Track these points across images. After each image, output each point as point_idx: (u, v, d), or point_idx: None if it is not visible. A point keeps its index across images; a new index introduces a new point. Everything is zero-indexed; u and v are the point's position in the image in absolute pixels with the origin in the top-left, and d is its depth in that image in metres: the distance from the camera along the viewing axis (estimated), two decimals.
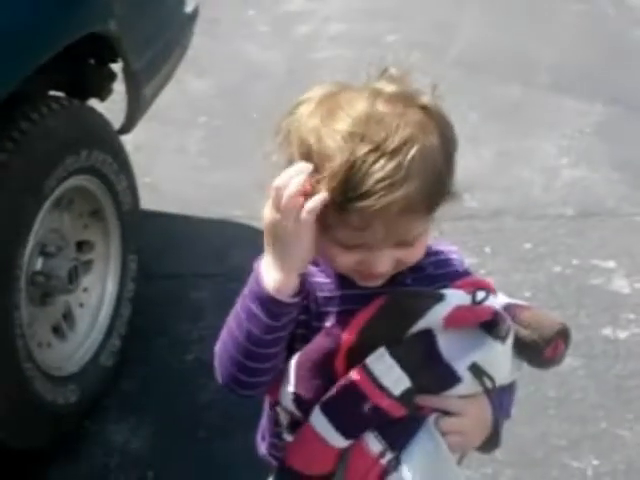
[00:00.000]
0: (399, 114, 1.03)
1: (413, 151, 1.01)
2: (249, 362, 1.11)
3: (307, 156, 1.05)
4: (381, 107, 1.04)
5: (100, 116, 2.21)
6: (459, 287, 1.14)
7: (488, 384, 1.12)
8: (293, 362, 1.14)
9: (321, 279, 1.16)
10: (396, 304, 1.11)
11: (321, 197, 1.02)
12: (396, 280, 1.14)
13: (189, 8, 2.68)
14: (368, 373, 1.10)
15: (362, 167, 1.00)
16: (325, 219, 1.05)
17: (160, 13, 2.46)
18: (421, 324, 1.10)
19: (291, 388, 1.13)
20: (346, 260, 1.09)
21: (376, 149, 1.01)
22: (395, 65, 1.11)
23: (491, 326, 1.11)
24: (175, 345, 2.53)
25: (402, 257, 1.09)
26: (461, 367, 1.11)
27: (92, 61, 2.32)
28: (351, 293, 1.14)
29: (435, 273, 1.18)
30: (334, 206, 1.03)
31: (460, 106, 3.95)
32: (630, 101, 4.11)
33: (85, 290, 2.26)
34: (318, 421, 1.12)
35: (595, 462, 2.21)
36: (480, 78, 4.27)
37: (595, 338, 2.62)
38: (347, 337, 1.10)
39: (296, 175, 1.03)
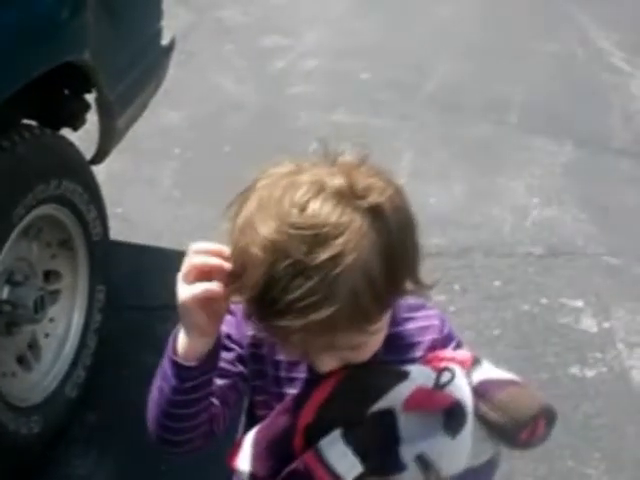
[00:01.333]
0: (332, 224, 0.92)
1: (338, 269, 0.91)
2: (168, 421, 1.09)
3: (235, 246, 0.99)
4: (315, 212, 0.93)
5: (72, 146, 2.20)
6: (429, 361, 1.10)
7: (432, 479, 1.07)
8: (250, 438, 1.11)
9: None
10: (356, 381, 1.07)
11: (205, 287, 0.98)
12: None
13: (165, 40, 2.69)
14: (321, 458, 1.06)
15: (280, 283, 0.92)
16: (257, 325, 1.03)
17: (136, 44, 2.46)
18: (382, 404, 1.06)
19: (246, 467, 1.10)
20: (288, 353, 1.06)
21: (295, 263, 0.91)
22: (346, 152, 1.00)
23: (447, 416, 1.06)
24: (141, 377, 2.49)
25: (347, 357, 1.04)
26: (408, 455, 1.07)
27: (66, 91, 2.31)
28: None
29: (411, 342, 1.13)
30: (257, 318, 0.99)
31: (431, 144, 4.01)
32: (598, 141, 4.18)
33: (51, 320, 2.23)
34: None
35: None
36: (451, 117, 4.33)
37: (562, 377, 2.64)
38: (304, 417, 1.07)
39: (211, 255, 1.00)
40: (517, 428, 1.07)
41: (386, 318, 1.04)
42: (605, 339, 2.83)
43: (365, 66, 4.84)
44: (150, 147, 3.72)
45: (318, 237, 0.91)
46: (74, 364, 2.27)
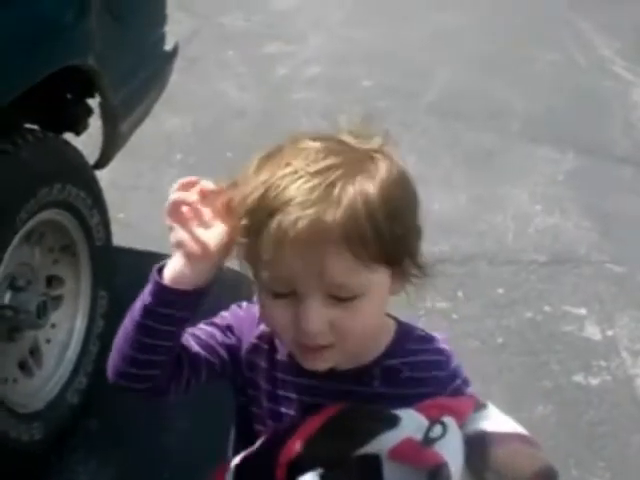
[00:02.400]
0: (337, 150, 0.98)
1: (334, 176, 0.94)
2: (128, 348, 1.06)
3: (237, 186, 1.02)
4: (321, 143, 0.99)
5: (75, 150, 2.19)
6: (425, 408, 1.03)
7: None
8: (234, 464, 1.09)
9: (282, 358, 1.10)
10: (345, 422, 1.02)
11: (177, 195, 1.04)
12: (362, 381, 1.07)
13: (169, 46, 2.68)
14: None
15: (278, 187, 0.95)
16: (248, 255, 1.01)
17: (140, 49, 2.46)
18: (368, 449, 1.00)
19: None
20: (278, 314, 1.00)
21: (296, 171, 0.95)
22: (366, 121, 1.04)
23: (432, 476, 0.98)
24: None
25: (337, 320, 0.97)
26: None
27: (69, 95, 2.30)
28: (305, 382, 1.08)
29: (412, 376, 1.08)
30: (249, 231, 0.98)
31: (434, 151, 4.00)
32: (600, 150, 4.18)
33: (53, 326, 2.21)
34: None
35: None
36: (454, 125, 4.33)
37: (566, 385, 2.62)
38: (288, 451, 1.03)
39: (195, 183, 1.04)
40: None
41: (382, 286, 1.00)
42: (609, 347, 2.82)
43: (367, 73, 4.84)
44: (152, 153, 3.71)
45: (319, 154, 0.97)
46: (76, 370, 2.25)
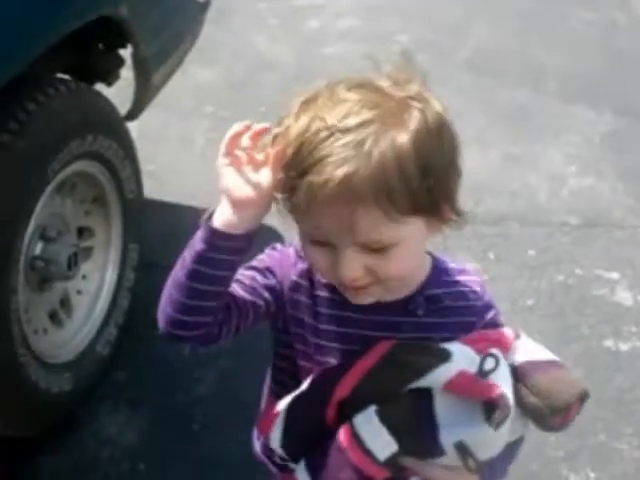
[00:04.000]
0: (372, 100, 0.98)
1: (365, 132, 0.95)
2: (181, 297, 1.06)
3: (278, 138, 1.03)
4: (356, 94, 0.99)
5: (107, 101, 2.17)
6: (472, 341, 1.07)
7: (471, 464, 1.06)
8: (283, 406, 1.11)
9: (323, 293, 1.12)
10: (397, 358, 1.05)
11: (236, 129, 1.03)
12: (407, 309, 1.10)
13: None
14: (355, 436, 1.05)
15: (312, 143, 0.97)
16: (290, 208, 1.03)
17: (172, 0, 2.42)
18: (421, 383, 1.04)
19: (279, 434, 1.11)
20: (318, 259, 1.04)
21: (329, 127, 0.96)
22: (402, 68, 1.05)
23: (490, 407, 1.04)
24: None
25: (373, 266, 1.01)
26: (448, 441, 1.05)
27: (100, 46, 2.28)
28: (351, 315, 1.10)
29: (453, 305, 1.11)
30: (286, 186, 1.01)
31: (468, 109, 3.93)
32: (638, 111, 4.08)
33: (84, 277, 2.22)
34: (301, 476, 1.10)
35: (592, 475, 2.19)
36: (488, 82, 4.24)
37: (596, 349, 2.60)
38: (340, 391, 1.06)
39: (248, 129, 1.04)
40: (554, 413, 1.07)
41: (417, 233, 1.01)
42: None
43: (401, 27, 4.75)
44: (183, 105, 3.68)
45: (353, 108, 0.97)
46: (106, 322, 2.26)
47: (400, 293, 1.10)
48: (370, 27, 4.75)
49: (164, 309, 1.10)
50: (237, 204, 1.04)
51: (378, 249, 0.99)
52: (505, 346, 1.08)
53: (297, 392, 1.11)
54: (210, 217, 1.05)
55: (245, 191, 1.03)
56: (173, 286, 1.08)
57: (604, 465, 2.22)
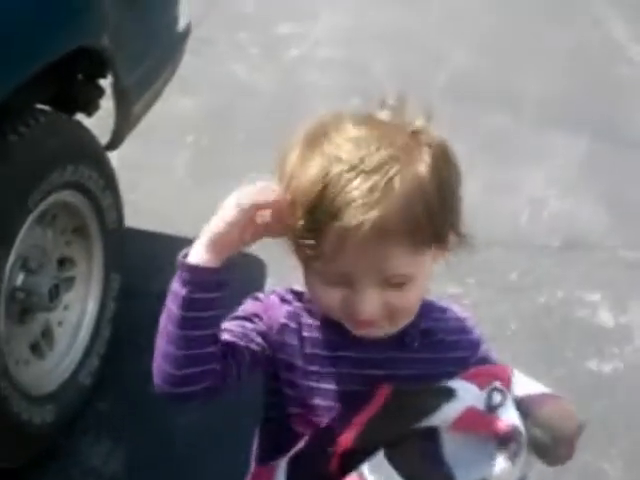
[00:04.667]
0: (384, 136, 0.99)
1: (392, 172, 0.96)
2: (177, 350, 1.03)
3: (288, 181, 1.01)
4: (366, 131, 0.99)
5: (87, 131, 2.17)
6: (472, 377, 1.06)
7: None
8: (284, 463, 1.10)
9: (312, 334, 1.11)
10: (399, 402, 1.04)
11: (253, 196, 1.00)
12: (403, 342, 1.09)
13: (181, 27, 2.66)
14: None
15: (336, 186, 0.96)
16: (303, 251, 1.01)
17: (153, 30, 2.44)
18: (428, 422, 1.03)
19: None
20: (330, 298, 1.03)
21: (352, 169, 0.96)
22: (391, 95, 1.06)
23: (504, 441, 1.03)
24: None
25: (392, 300, 1.02)
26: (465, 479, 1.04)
27: (80, 76, 2.29)
28: (344, 355, 1.09)
29: (447, 339, 1.12)
30: (308, 232, 0.99)
31: (448, 135, 3.96)
32: (616, 135, 4.13)
33: (65, 308, 2.21)
34: None
35: None
36: (467, 108, 4.28)
37: (580, 371, 2.61)
38: (344, 442, 1.05)
39: (269, 190, 1.02)
40: (559, 444, 1.07)
41: (429, 265, 1.03)
42: (622, 333, 2.81)
43: (380, 54, 4.80)
44: (163, 134, 3.69)
45: (372, 145, 0.97)
46: (88, 353, 2.25)
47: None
48: (348, 56, 4.79)
49: (161, 370, 1.05)
50: (219, 246, 1.03)
51: (398, 284, 1.01)
52: (506, 380, 1.08)
53: (296, 450, 1.09)
54: (185, 257, 1.04)
55: (233, 240, 1.03)
56: (165, 342, 1.05)
57: None
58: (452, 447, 1.03)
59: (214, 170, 3.45)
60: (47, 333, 2.16)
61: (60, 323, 2.21)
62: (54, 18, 1.88)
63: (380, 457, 1.03)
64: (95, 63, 2.18)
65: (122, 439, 2.25)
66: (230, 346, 1.09)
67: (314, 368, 1.10)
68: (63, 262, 2.19)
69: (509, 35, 5.21)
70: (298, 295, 1.13)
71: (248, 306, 1.15)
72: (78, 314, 2.24)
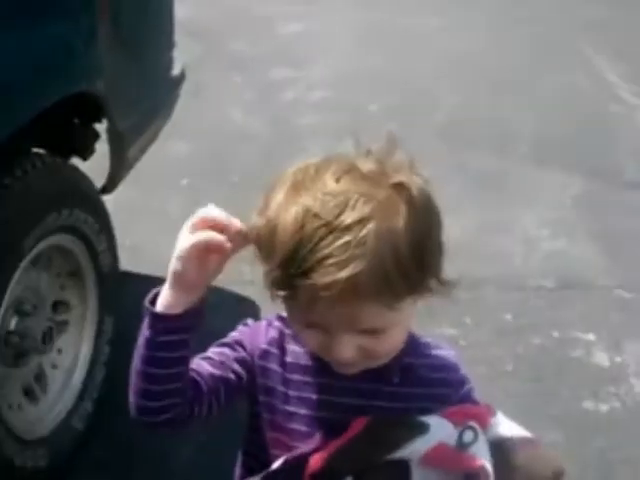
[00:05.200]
0: (363, 192, 0.97)
1: (365, 230, 0.94)
2: (142, 382, 1.07)
3: (267, 231, 1.00)
4: (346, 185, 0.97)
5: (83, 175, 2.19)
6: (449, 415, 1.07)
7: None
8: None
9: (295, 360, 1.13)
10: (373, 431, 1.05)
11: (209, 235, 1.00)
12: (382, 378, 1.10)
13: (176, 71, 2.70)
14: None
15: (310, 242, 0.95)
16: (286, 303, 1.03)
17: (148, 74, 2.47)
18: (398, 454, 1.04)
19: None
20: (308, 338, 1.05)
21: (327, 225, 0.95)
22: (378, 143, 1.04)
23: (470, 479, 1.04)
24: None
25: (368, 346, 1.02)
26: None
27: (76, 120, 2.31)
28: (324, 382, 1.11)
29: (428, 376, 1.13)
30: (283, 284, 0.99)
31: (440, 175, 3.96)
32: (608, 174, 4.17)
33: (59, 351, 2.20)
34: None
35: None
36: (461, 149, 4.33)
37: (576, 411, 2.60)
38: (313, 464, 1.06)
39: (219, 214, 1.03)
40: None
41: (410, 311, 1.03)
42: (618, 373, 2.80)
43: (373, 97, 4.86)
44: (158, 178, 3.71)
45: (349, 202, 0.96)
46: (81, 396, 2.24)
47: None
48: (342, 98, 4.85)
49: (131, 397, 1.09)
50: (183, 286, 1.04)
51: (373, 332, 1.02)
52: (483, 421, 1.09)
53: (269, 469, 1.10)
54: (154, 299, 1.06)
55: (194, 281, 1.04)
56: (134, 374, 1.08)
57: None
58: None
59: None
60: (40, 377, 2.15)
61: (54, 366, 2.20)
62: (51, 64, 1.91)
63: None
64: (90, 108, 2.20)
65: None
66: (204, 375, 1.11)
67: (294, 393, 1.12)
68: (57, 305, 2.19)
69: (500, 79, 5.28)
70: (285, 321, 1.14)
71: (236, 332, 1.17)
72: (72, 357, 2.24)
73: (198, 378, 1.10)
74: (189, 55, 4.41)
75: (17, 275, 1.89)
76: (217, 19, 6.06)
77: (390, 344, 1.05)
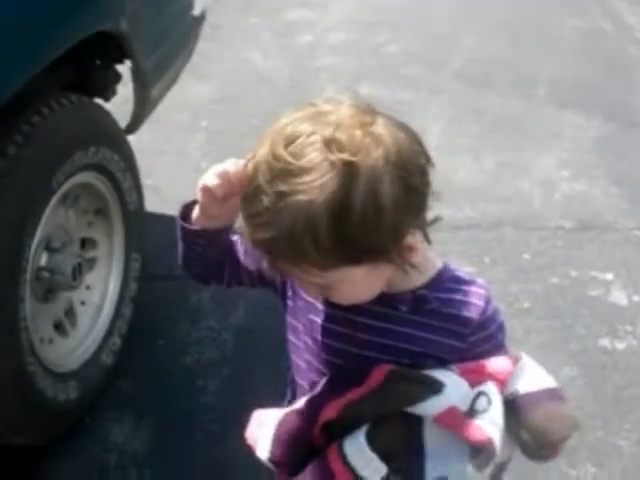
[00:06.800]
0: (302, 164, 0.95)
1: (283, 203, 0.95)
2: (183, 259, 1.23)
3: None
4: (298, 148, 0.97)
5: (108, 114, 2.21)
6: (468, 372, 1.06)
7: None
8: (273, 425, 1.13)
9: None
10: (390, 387, 1.05)
11: (209, 181, 1.06)
12: (392, 303, 1.11)
13: (197, 11, 2.69)
14: (346, 463, 1.06)
15: (247, 199, 1.00)
16: None
17: (170, 14, 2.47)
18: (410, 409, 1.05)
19: (266, 453, 1.13)
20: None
21: (259, 187, 0.97)
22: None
23: (477, 450, 1.05)
24: (174, 346, 2.53)
25: (326, 293, 1.06)
26: (431, 474, 1.06)
27: (98, 61, 2.32)
28: (335, 313, 1.13)
29: (440, 311, 1.11)
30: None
31: (460, 118, 3.99)
32: (627, 116, 4.15)
33: (88, 288, 2.25)
34: None
35: (592, 470, 2.22)
36: (479, 91, 4.31)
37: (593, 349, 2.63)
38: (328, 413, 1.08)
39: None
40: (543, 449, 1.08)
41: (361, 272, 1.01)
42: (635, 312, 2.82)
43: (392, 39, 4.82)
44: (178, 119, 3.73)
45: (283, 171, 0.96)
46: (110, 332, 2.29)
47: (389, 289, 1.10)
48: (360, 40, 4.81)
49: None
50: (206, 213, 1.13)
51: (322, 285, 1.03)
52: (501, 380, 1.07)
53: (283, 414, 1.13)
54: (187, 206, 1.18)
55: (211, 211, 1.12)
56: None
57: (604, 461, 2.25)
58: (433, 438, 1.05)
59: (229, 154, 3.44)
60: (70, 312, 2.21)
61: (83, 303, 2.25)
62: (74, 3, 1.91)
63: (361, 439, 1.06)
64: (112, 48, 2.21)
65: (144, 417, 2.29)
66: (239, 259, 1.22)
67: (318, 305, 1.16)
68: (85, 243, 2.23)
69: (520, 21, 5.23)
70: None
71: None
72: (100, 294, 2.29)
73: (237, 261, 1.22)
74: None
75: (47, 212, 1.92)
76: None
77: (347, 296, 1.06)
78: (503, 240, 3.14)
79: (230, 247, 1.22)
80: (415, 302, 1.10)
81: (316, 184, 0.94)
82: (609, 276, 2.98)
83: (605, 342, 2.67)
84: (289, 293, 1.20)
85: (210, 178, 1.07)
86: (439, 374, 1.06)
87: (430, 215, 1.04)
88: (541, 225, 3.25)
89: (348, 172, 0.94)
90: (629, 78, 4.63)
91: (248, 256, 1.21)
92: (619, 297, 2.88)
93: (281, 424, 1.13)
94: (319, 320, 1.15)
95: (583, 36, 5.11)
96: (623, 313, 2.80)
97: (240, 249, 1.22)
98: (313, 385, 1.15)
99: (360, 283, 1.03)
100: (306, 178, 0.95)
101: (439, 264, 1.15)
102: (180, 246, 1.21)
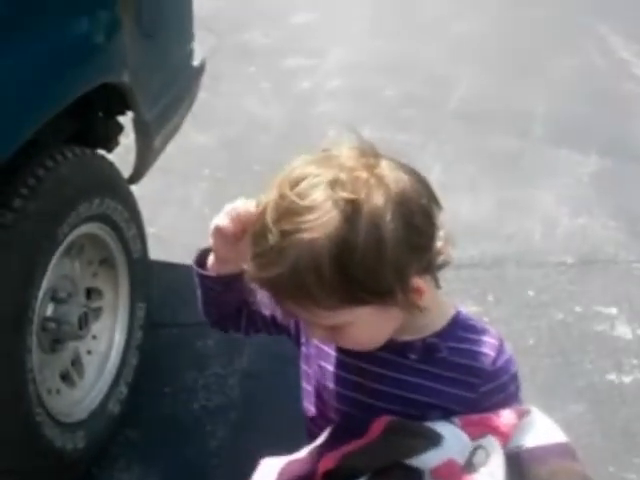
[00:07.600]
0: (307, 204, 0.97)
1: (287, 242, 0.97)
2: (202, 306, 1.27)
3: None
4: (303, 188, 0.99)
5: (111, 165, 2.24)
6: (470, 425, 1.05)
7: None
8: (275, 474, 1.14)
9: None
10: (390, 438, 1.05)
11: (221, 221, 1.10)
12: (401, 351, 1.10)
13: (196, 62, 2.74)
14: None
15: (254, 237, 1.02)
16: None
17: (170, 65, 2.51)
18: (408, 461, 1.04)
19: None
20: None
21: (265, 226, 0.99)
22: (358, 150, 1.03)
23: None
24: (181, 393, 2.53)
25: (333, 336, 1.07)
26: None
27: (100, 113, 2.36)
28: (345, 360, 1.14)
29: (450, 360, 1.10)
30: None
31: (459, 158, 4.03)
32: (624, 151, 4.19)
33: (94, 337, 2.26)
34: None
35: None
36: (477, 130, 4.36)
37: (600, 384, 2.63)
38: (325, 463, 1.08)
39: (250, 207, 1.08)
40: None
41: (368, 313, 1.01)
42: None
43: (389, 83, 4.89)
44: (181, 168, 3.77)
45: (288, 211, 0.98)
46: (116, 381, 2.30)
47: (399, 337, 1.10)
48: (358, 85, 4.88)
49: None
50: (218, 259, 1.17)
51: (329, 326, 1.04)
52: (504, 434, 1.05)
53: (286, 464, 1.14)
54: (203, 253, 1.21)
55: (224, 253, 1.15)
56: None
57: None
58: None
59: (231, 200, 3.49)
60: (77, 362, 2.21)
61: (89, 352, 2.26)
62: (78, 56, 1.95)
63: None
64: (115, 100, 2.25)
65: (152, 467, 2.29)
66: (257, 306, 1.25)
67: (325, 348, 1.18)
68: (90, 293, 2.25)
69: (514, 57, 5.30)
70: None
71: None
72: (106, 343, 2.30)
73: (253, 308, 1.25)
74: (203, 47, 4.46)
75: (52, 263, 1.94)
76: (228, 10, 6.10)
77: (353, 340, 1.06)
78: (506, 278, 3.16)
79: (246, 293, 1.23)
80: (425, 350, 1.10)
81: (319, 222, 0.96)
82: (613, 310, 2.99)
83: (612, 377, 2.67)
84: (303, 339, 1.22)
85: (221, 218, 1.10)
86: (439, 426, 1.05)
87: (440, 259, 1.05)
88: (543, 261, 3.27)
89: (350, 210, 0.96)
90: (624, 113, 4.68)
91: (263, 302, 1.23)
92: (624, 331, 2.89)
93: (282, 473, 1.13)
94: (330, 367, 1.16)
95: (577, 73, 5.18)
96: (628, 347, 2.81)
97: (256, 295, 1.24)
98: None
99: (367, 326, 1.04)
100: (309, 216, 0.96)
101: (452, 311, 1.13)
102: (198, 293, 1.24)
